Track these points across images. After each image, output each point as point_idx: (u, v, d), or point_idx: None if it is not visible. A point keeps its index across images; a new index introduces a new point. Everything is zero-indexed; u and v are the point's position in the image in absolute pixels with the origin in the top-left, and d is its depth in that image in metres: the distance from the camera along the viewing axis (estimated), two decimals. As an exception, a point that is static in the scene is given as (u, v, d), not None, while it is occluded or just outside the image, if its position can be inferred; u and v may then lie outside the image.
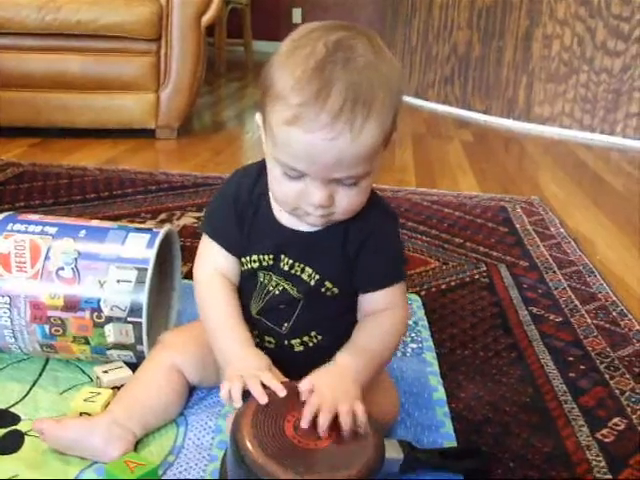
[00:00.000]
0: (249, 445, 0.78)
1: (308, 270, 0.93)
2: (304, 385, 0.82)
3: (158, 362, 1.01)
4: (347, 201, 0.86)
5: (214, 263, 0.98)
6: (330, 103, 0.77)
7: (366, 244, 0.92)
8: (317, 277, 0.93)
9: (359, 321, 0.96)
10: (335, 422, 0.80)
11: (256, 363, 0.87)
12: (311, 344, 0.97)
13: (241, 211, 0.95)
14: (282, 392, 0.82)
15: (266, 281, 0.96)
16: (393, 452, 0.87)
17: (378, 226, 0.94)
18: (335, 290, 0.94)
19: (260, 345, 0.97)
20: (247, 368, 0.85)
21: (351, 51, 0.79)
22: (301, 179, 0.83)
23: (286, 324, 0.96)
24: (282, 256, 0.93)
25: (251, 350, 0.90)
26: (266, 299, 0.96)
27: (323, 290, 0.94)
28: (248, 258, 0.96)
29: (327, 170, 0.81)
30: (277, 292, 0.95)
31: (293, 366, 0.94)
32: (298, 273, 0.93)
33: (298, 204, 0.86)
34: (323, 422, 0.78)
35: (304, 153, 0.80)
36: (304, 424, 0.79)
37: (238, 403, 0.82)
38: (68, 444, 0.90)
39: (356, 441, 0.80)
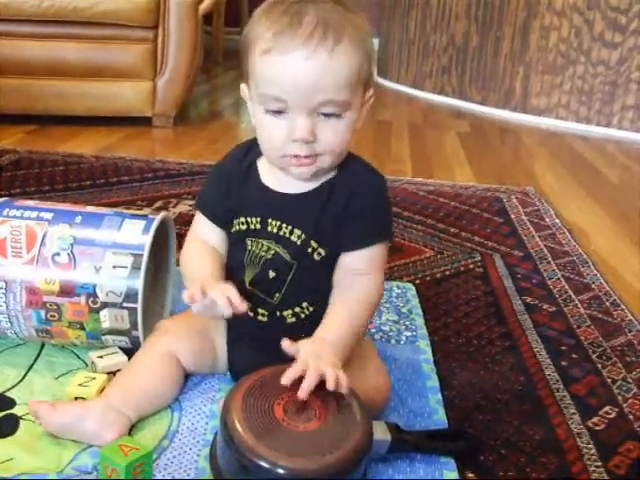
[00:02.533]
0: (238, 427, 0.80)
1: (297, 232, 0.95)
2: (286, 345, 0.86)
3: (155, 348, 1.02)
4: (331, 136, 0.90)
5: (201, 233, 1.03)
6: (303, 27, 0.84)
7: (352, 201, 0.95)
8: (303, 237, 0.95)
9: (336, 285, 0.97)
10: (323, 404, 0.82)
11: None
12: (302, 315, 0.99)
13: (228, 182, 1.00)
14: (242, 306, 0.88)
15: (254, 248, 0.98)
16: (381, 434, 0.88)
17: (364, 182, 0.98)
18: (321, 251, 0.96)
19: (254, 318, 0.99)
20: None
21: (318, 1, 0.87)
22: (284, 114, 0.88)
23: (277, 294, 0.98)
24: (269, 219, 0.96)
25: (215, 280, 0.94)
26: (258, 265, 0.98)
27: (310, 251, 0.95)
28: (237, 220, 0.99)
29: (307, 93, 0.86)
30: (269, 256, 0.97)
31: (286, 336, 0.95)
32: (287, 235, 0.96)
33: (284, 146, 0.90)
34: (308, 384, 0.80)
35: (282, 77, 0.86)
36: (284, 381, 0.81)
37: (199, 302, 0.87)
38: (63, 428, 0.91)
39: (344, 424, 0.82)
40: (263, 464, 0.77)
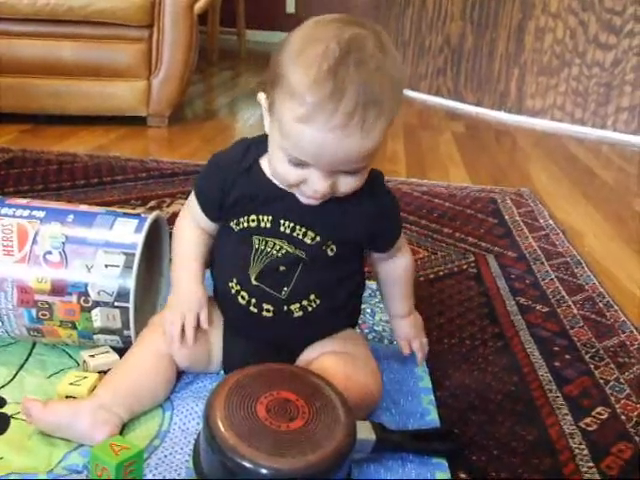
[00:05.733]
0: (220, 426, 0.79)
1: (310, 234, 0.96)
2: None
3: (147, 347, 1.01)
4: (347, 187, 0.91)
5: (193, 215, 1.05)
6: (344, 104, 0.81)
7: (373, 202, 0.99)
8: (318, 239, 0.96)
9: (379, 271, 1.10)
10: (306, 403, 0.83)
11: (193, 302, 1.01)
12: (310, 309, 0.99)
13: (224, 181, 0.99)
14: (190, 340, 0.99)
15: (262, 246, 0.98)
16: (365, 433, 0.88)
17: (377, 182, 1.01)
18: (334, 248, 0.98)
19: (258, 314, 0.99)
20: (184, 303, 1.01)
21: (362, 52, 0.82)
22: (305, 167, 0.88)
23: (286, 288, 0.98)
24: (282, 220, 0.96)
25: (193, 286, 1.02)
26: (266, 262, 0.98)
27: (324, 248, 0.97)
28: (245, 217, 0.98)
29: (334, 164, 0.87)
30: (280, 255, 0.97)
31: (291, 335, 1.00)
32: (300, 237, 0.96)
33: (298, 186, 0.91)
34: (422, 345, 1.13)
35: (314, 150, 0.84)
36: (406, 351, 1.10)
37: (176, 342, 0.99)
38: (54, 427, 0.90)
39: (328, 423, 0.82)
40: (244, 464, 0.77)
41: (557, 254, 1.73)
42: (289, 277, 0.98)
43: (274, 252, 0.97)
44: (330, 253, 0.98)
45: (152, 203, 1.87)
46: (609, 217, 2.11)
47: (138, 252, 1.04)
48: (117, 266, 1.03)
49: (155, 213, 1.12)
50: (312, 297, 0.99)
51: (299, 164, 0.88)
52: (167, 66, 2.69)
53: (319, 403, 0.84)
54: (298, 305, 0.99)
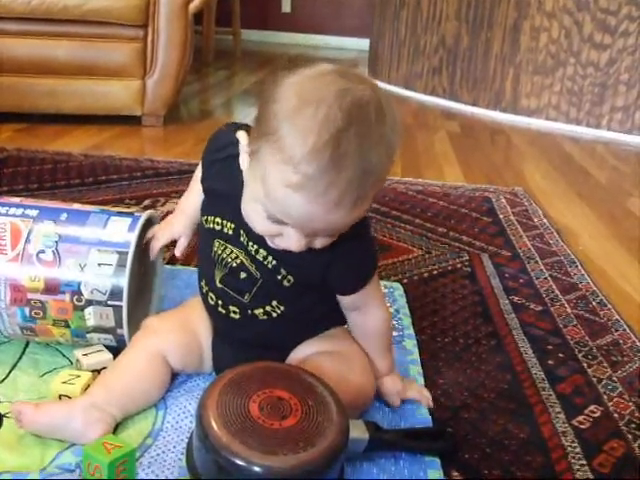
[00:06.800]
0: (213, 424, 0.80)
1: (263, 252, 0.93)
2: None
3: (142, 348, 1.01)
4: (322, 244, 0.87)
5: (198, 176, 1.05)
6: (341, 180, 0.76)
7: (336, 244, 0.89)
8: (274, 262, 0.93)
9: (348, 321, 1.03)
10: (299, 402, 0.83)
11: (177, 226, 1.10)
12: (275, 314, 0.98)
13: (208, 166, 1.00)
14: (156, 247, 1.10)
15: (220, 251, 0.97)
16: (358, 432, 0.88)
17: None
18: (291, 279, 0.94)
19: (226, 315, 1.00)
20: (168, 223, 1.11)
21: (364, 123, 0.77)
22: (282, 224, 0.83)
23: (247, 294, 0.97)
24: (241, 231, 0.94)
25: (177, 217, 1.11)
26: (226, 267, 0.97)
27: (279, 277, 0.94)
28: (212, 217, 0.98)
29: (317, 230, 0.83)
30: (235, 265, 0.96)
31: (262, 335, 0.99)
32: (253, 253, 0.94)
33: (272, 237, 0.87)
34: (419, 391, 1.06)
35: (299, 217, 0.80)
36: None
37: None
38: (47, 428, 0.90)
39: (320, 422, 0.82)
40: (237, 461, 0.77)
41: (551, 253, 1.73)
42: (249, 285, 0.96)
43: (229, 260, 0.96)
44: (286, 284, 0.94)
45: (146, 202, 1.87)
46: (603, 216, 2.11)
47: (131, 251, 1.04)
48: (110, 265, 1.03)
49: (148, 212, 1.12)
50: (274, 304, 0.97)
51: (277, 221, 0.82)
52: (162, 65, 2.68)
53: (312, 401, 0.84)
54: (262, 310, 0.98)
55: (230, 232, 0.95)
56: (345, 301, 0.99)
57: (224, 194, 0.95)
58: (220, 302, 1.00)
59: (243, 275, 0.96)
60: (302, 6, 6.01)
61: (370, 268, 0.97)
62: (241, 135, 0.88)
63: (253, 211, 0.85)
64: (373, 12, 4.40)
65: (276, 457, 0.77)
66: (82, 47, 2.61)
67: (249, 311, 0.98)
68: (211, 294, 1.01)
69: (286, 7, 6.07)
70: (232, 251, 0.96)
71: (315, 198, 0.76)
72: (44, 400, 0.98)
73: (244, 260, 0.95)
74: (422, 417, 1.02)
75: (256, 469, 0.76)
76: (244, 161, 0.87)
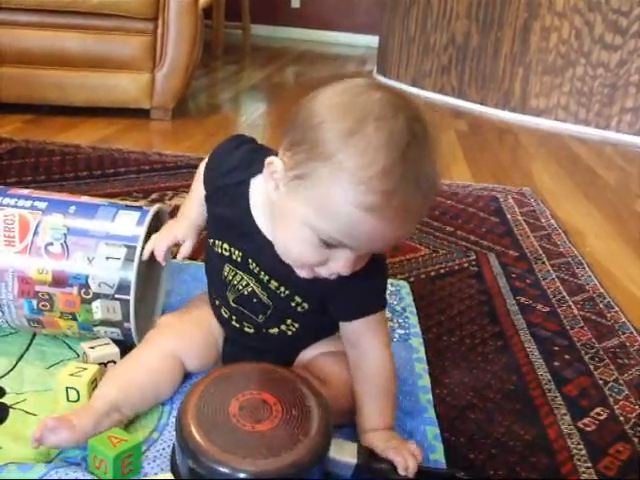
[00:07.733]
0: (187, 413, 0.80)
1: (274, 283, 0.92)
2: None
3: (159, 348, 0.99)
4: (359, 265, 0.83)
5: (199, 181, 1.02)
6: (413, 198, 0.74)
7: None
8: (287, 292, 0.92)
9: (350, 365, 0.95)
10: (283, 411, 0.81)
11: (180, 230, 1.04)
12: (290, 332, 0.98)
13: (213, 185, 0.97)
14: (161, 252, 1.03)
15: (231, 277, 0.96)
16: (347, 455, 0.84)
17: None
18: (305, 305, 0.94)
19: (240, 329, 0.99)
20: (169, 228, 1.06)
21: (424, 135, 0.77)
22: (333, 248, 0.79)
23: (262, 315, 0.97)
24: (250, 260, 0.92)
25: (180, 222, 1.06)
26: (237, 293, 0.97)
27: (293, 304, 0.94)
28: (220, 242, 0.96)
29: (372, 248, 0.81)
30: (246, 292, 0.95)
31: (275, 345, 0.99)
32: (265, 282, 0.93)
33: (311, 267, 0.82)
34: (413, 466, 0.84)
35: (366, 237, 0.76)
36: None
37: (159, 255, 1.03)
38: (76, 443, 0.87)
39: (294, 434, 0.79)
40: (196, 452, 0.77)
41: (558, 254, 1.72)
42: (263, 308, 0.95)
43: (240, 287, 0.95)
44: (301, 310, 0.94)
45: (154, 196, 1.87)
46: (611, 217, 2.10)
47: (139, 245, 1.04)
48: (118, 258, 1.03)
49: (157, 206, 1.12)
50: (289, 322, 0.97)
51: (331, 245, 0.78)
52: (171, 59, 2.68)
53: (296, 412, 0.82)
54: (277, 329, 0.98)
55: (239, 259, 0.94)
56: (345, 331, 0.95)
57: (230, 221, 0.94)
58: (234, 318, 0.99)
59: (255, 300, 0.95)
60: (311, 2, 6.01)
61: (375, 298, 0.94)
62: (275, 161, 0.81)
63: (299, 239, 0.80)
64: (383, 9, 4.38)
65: (233, 457, 0.75)
66: (92, 39, 2.61)
67: (264, 330, 0.98)
68: (224, 309, 1.00)
69: (295, 3, 6.07)
70: (242, 278, 0.95)
71: (387, 217, 0.74)
72: (49, 392, 0.98)
73: (255, 288, 0.94)
74: (427, 417, 1.02)
75: (207, 462, 0.76)
76: (271, 184, 0.82)
